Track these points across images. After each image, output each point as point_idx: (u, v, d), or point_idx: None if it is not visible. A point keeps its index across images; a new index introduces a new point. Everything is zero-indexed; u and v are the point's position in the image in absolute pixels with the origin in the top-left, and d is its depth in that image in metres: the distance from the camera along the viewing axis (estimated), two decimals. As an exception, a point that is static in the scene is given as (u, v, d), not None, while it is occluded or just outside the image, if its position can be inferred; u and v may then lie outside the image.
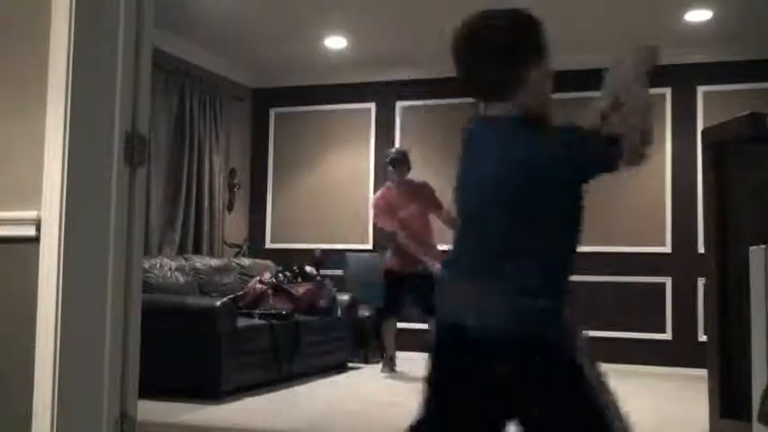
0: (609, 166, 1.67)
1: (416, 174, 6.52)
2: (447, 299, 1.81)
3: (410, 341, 6.63)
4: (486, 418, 1.74)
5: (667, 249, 6.79)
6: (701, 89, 6.80)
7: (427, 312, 6.05)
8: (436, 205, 6.18)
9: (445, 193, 7.17)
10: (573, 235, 1.74)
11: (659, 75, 6.48)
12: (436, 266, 6.05)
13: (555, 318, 1.70)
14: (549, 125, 1.74)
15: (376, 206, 6.29)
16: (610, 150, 1.63)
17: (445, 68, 8.59)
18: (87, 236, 2.46)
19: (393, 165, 6.18)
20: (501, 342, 1.66)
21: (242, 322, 5.28)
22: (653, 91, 6.40)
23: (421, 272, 6.01)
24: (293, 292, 6.05)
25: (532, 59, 1.73)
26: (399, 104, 7.67)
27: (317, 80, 7.83)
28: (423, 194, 6.17)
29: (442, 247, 6.25)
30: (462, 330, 1.70)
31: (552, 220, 1.71)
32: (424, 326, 6.09)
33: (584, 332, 1.74)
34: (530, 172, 1.65)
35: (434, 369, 1.79)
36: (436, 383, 1.80)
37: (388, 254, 6.23)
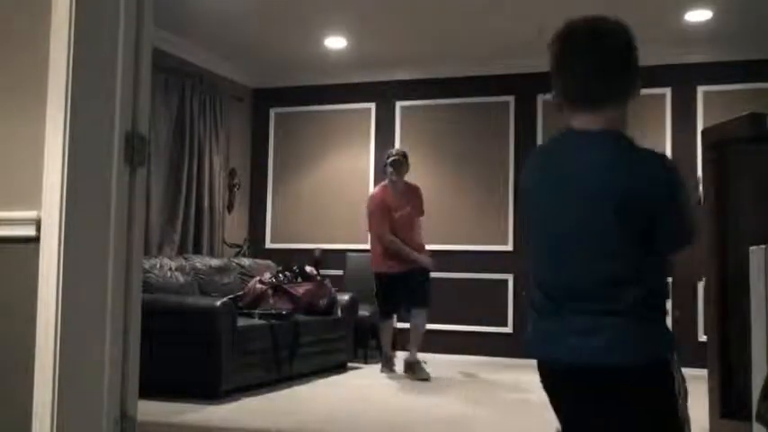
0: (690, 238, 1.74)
1: (416, 173, 6.54)
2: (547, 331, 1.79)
3: (408, 341, 6.63)
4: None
5: (667, 249, 6.78)
6: (700, 89, 6.79)
7: (416, 306, 6.08)
8: (421, 211, 6.36)
9: (440, 195, 7.20)
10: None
11: (659, 75, 6.40)
12: (430, 261, 6.12)
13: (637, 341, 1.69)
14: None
15: (372, 203, 6.28)
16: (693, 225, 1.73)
17: (445, 68, 8.58)
18: (87, 236, 2.45)
19: (393, 166, 6.21)
20: (595, 374, 1.67)
21: (242, 322, 5.28)
22: (653, 91, 6.40)
23: (418, 267, 6.06)
24: (293, 292, 6.05)
25: (638, 82, 1.76)
26: (399, 104, 7.67)
27: (317, 80, 7.83)
28: (417, 198, 6.29)
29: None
30: (570, 370, 1.71)
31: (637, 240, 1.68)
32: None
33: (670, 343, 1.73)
34: (631, 192, 1.65)
35: (554, 402, 1.83)
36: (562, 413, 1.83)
37: (380, 256, 6.20)
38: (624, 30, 1.78)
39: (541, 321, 1.78)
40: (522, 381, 5.65)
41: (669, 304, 1.83)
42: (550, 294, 1.76)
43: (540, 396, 1.91)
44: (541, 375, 1.81)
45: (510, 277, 7.13)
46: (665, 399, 1.68)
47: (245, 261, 6.92)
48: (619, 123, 1.74)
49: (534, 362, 1.81)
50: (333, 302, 6.36)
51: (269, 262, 7.06)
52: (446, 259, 6.68)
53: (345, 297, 6.58)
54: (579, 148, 1.73)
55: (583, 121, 1.74)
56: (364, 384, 5.89)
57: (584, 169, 1.70)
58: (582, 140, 1.74)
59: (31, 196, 2.41)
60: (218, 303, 5.04)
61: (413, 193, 6.30)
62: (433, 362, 6.42)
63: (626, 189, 1.64)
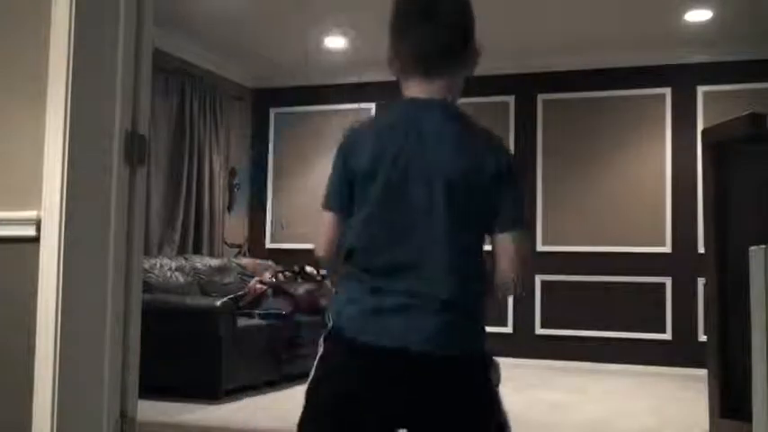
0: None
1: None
2: None
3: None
4: None
5: (667, 249, 6.79)
6: (700, 89, 6.79)
7: None
8: None
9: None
10: None
11: (659, 75, 6.38)
12: None
13: None
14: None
15: None
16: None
17: (445, 68, 8.48)
18: (87, 236, 2.46)
19: None
20: None
21: (242, 322, 5.28)
22: (653, 91, 6.39)
23: None
24: (293, 292, 6.05)
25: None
26: (399, 104, 7.66)
27: (317, 80, 7.83)
28: None
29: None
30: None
31: None
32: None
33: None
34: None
35: None
36: None
37: None
38: None
39: None
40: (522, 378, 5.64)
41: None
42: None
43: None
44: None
45: (510, 277, 7.12)
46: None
47: (246, 261, 6.92)
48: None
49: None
50: (333, 302, 6.36)
51: (269, 262, 7.06)
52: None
53: (345, 297, 6.56)
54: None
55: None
56: (364, 384, 5.88)
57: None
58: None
59: (31, 196, 2.41)
60: (218, 303, 5.03)
61: None
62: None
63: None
